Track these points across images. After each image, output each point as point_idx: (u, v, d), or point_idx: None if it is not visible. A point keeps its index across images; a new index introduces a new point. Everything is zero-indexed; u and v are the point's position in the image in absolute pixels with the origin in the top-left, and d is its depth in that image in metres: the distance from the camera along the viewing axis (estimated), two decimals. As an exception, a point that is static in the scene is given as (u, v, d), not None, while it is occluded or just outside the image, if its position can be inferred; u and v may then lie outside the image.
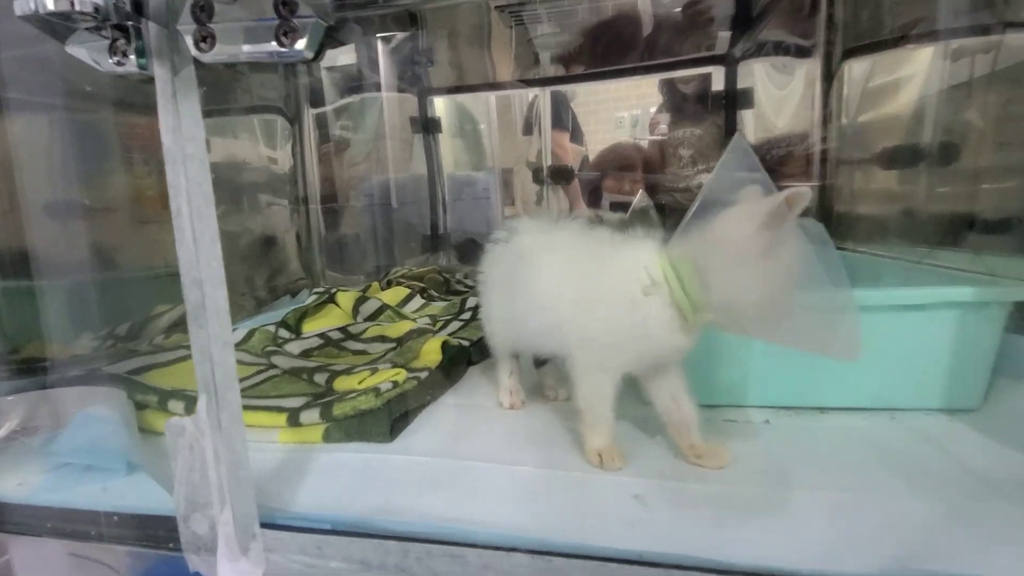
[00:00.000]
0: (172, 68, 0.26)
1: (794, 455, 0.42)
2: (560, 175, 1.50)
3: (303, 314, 0.86)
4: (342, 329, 0.78)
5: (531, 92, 1.49)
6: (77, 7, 0.23)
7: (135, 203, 0.89)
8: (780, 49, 1.08)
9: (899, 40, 0.79)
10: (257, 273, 1.09)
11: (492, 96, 1.52)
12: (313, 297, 0.92)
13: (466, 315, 0.87)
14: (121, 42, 0.26)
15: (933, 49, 0.71)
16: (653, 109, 1.41)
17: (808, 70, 0.99)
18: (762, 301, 0.36)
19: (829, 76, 0.93)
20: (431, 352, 0.64)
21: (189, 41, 0.25)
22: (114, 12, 0.25)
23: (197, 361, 0.30)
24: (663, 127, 1.39)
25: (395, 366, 0.58)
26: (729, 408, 0.51)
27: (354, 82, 1.39)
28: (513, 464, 0.42)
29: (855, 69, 0.90)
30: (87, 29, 0.26)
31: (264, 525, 0.32)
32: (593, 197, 1.45)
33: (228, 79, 0.98)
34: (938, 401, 0.48)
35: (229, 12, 0.25)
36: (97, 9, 0.23)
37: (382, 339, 0.73)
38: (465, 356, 0.66)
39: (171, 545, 0.34)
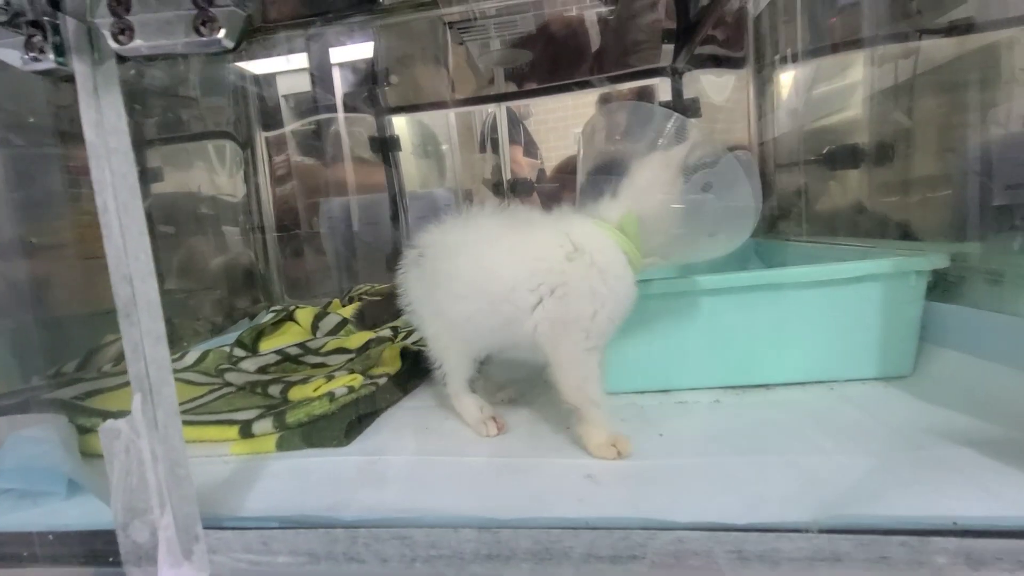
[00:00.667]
0: (92, 63, 0.27)
1: (740, 428, 0.44)
2: (518, 188, 1.53)
3: (260, 333, 0.84)
4: (300, 345, 0.77)
5: (486, 110, 1.52)
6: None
7: (78, 238, 0.87)
8: (716, 61, 1.13)
9: (827, 49, 0.85)
10: (213, 299, 1.07)
11: (451, 114, 1.54)
12: (270, 315, 0.90)
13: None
14: (37, 38, 0.26)
15: (861, 56, 0.76)
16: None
17: (742, 80, 1.04)
18: (687, 229, 0.41)
19: (762, 85, 0.98)
20: (391, 359, 0.64)
21: (107, 34, 0.26)
22: (28, 7, 0.25)
23: (130, 359, 0.29)
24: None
25: (352, 372, 0.57)
26: (680, 391, 0.52)
27: (308, 104, 1.39)
28: (465, 456, 0.42)
29: (787, 78, 0.95)
30: (1, 25, 0.26)
31: (208, 527, 0.31)
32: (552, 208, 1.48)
33: (176, 104, 0.97)
34: (873, 370, 0.51)
35: (146, 4, 0.25)
36: (8, 3, 0.24)
37: (341, 351, 0.72)
38: (424, 361, 0.66)
39: (111, 559, 0.33)
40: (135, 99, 0.97)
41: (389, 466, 0.41)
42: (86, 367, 0.83)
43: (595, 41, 1.45)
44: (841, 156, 0.79)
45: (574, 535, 0.27)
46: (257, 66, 1.28)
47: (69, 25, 0.26)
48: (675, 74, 1.46)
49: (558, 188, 1.48)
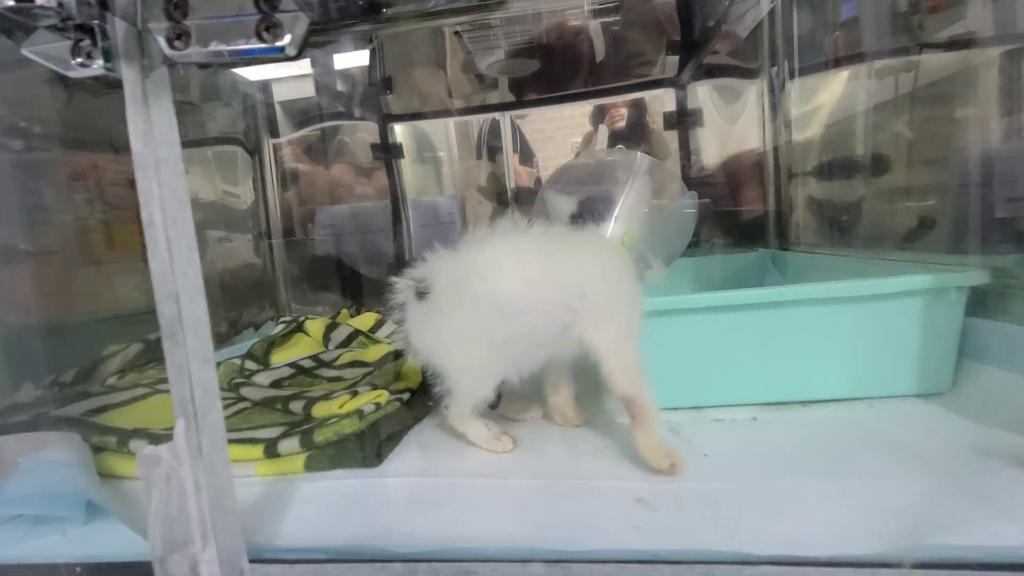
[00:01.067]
0: (141, 69, 0.25)
1: (787, 448, 0.43)
2: (520, 197, 1.52)
3: (270, 344, 0.82)
4: (313, 357, 0.75)
5: (482, 118, 1.52)
6: (39, 1, 0.21)
7: (79, 245, 0.85)
8: (729, 71, 1.13)
9: (839, 61, 0.85)
10: (219, 308, 1.04)
11: (451, 122, 1.54)
12: (280, 327, 0.88)
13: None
14: (86, 43, 0.24)
15: (867, 68, 0.77)
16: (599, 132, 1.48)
17: (755, 91, 1.04)
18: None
19: (774, 96, 0.98)
20: (412, 373, 0.63)
21: (162, 40, 0.24)
22: (77, 10, 0.23)
23: (173, 382, 0.27)
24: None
25: (375, 387, 0.56)
26: (715, 408, 0.51)
27: (312, 111, 1.38)
28: (505, 477, 0.41)
29: (799, 89, 0.95)
30: (48, 28, 0.24)
31: (251, 561, 0.29)
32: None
33: (182, 112, 0.95)
34: (911, 386, 0.50)
35: (205, 8, 0.24)
36: (61, 4, 0.22)
37: (358, 364, 0.70)
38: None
39: (144, 593, 0.31)
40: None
41: (429, 489, 0.39)
42: (89, 380, 0.80)
43: (600, 52, 1.45)
44: (858, 165, 0.79)
45: (651, 570, 0.26)
46: (260, 72, 1.27)
47: (118, 29, 0.25)
48: (679, 86, 1.47)
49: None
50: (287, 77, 1.34)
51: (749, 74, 1.04)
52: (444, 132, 1.57)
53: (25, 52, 0.25)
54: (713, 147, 1.33)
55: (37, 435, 0.49)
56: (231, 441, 0.48)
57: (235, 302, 1.07)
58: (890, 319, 0.49)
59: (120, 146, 0.88)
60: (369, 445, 0.45)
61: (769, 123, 0.99)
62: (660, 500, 0.36)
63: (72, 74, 0.25)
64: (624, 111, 1.51)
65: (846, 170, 0.82)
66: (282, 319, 0.92)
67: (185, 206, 0.26)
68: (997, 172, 0.55)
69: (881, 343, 0.49)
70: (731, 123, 1.18)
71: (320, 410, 0.52)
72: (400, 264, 1.57)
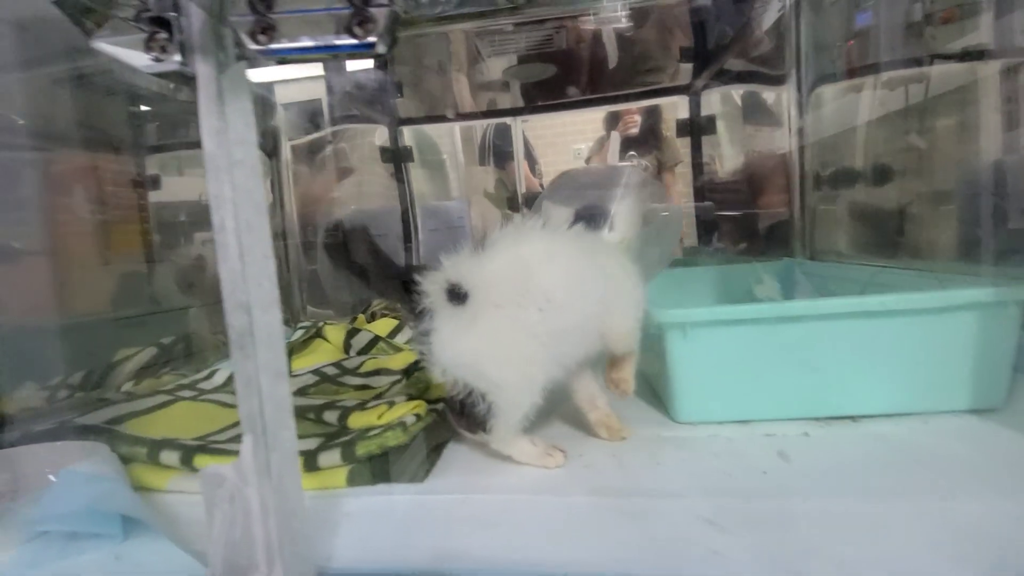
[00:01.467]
0: (217, 64, 0.24)
1: (849, 465, 0.41)
2: (527, 203, 1.53)
3: (290, 351, 0.80)
4: (336, 364, 0.73)
5: (486, 123, 1.52)
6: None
7: (86, 246, 0.83)
8: (753, 77, 1.13)
9: (861, 70, 0.85)
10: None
11: (456, 126, 1.53)
12: (299, 333, 0.86)
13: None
14: (162, 35, 0.23)
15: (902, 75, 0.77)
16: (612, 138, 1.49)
17: (780, 96, 1.03)
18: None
19: (800, 102, 0.97)
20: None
21: (244, 34, 0.23)
22: (155, 2, 0.22)
23: (241, 396, 0.26)
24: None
25: (410, 398, 0.54)
26: (764, 423, 0.50)
27: (321, 115, 1.36)
28: (563, 495, 0.39)
29: (823, 96, 0.95)
30: (123, 19, 0.23)
31: (315, 585, 0.28)
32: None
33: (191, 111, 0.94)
34: (964, 402, 0.49)
35: (291, 1, 0.22)
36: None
37: (384, 372, 0.68)
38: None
39: (200, 619, 0.29)
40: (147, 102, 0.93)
41: (484, 507, 0.38)
42: (103, 385, 0.78)
43: (612, 58, 1.45)
44: (887, 173, 0.78)
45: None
46: (272, 74, 1.26)
47: (195, 22, 0.23)
48: (693, 92, 1.47)
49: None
50: (297, 79, 1.33)
51: (773, 80, 1.04)
52: (453, 136, 1.56)
53: (95, 45, 0.23)
54: (732, 153, 1.33)
55: (65, 445, 0.47)
56: (265, 453, 0.47)
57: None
58: (945, 333, 0.47)
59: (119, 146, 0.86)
60: (415, 459, 0.43)
61: (795, 129, 0.99)
62: (730, 520, 0.34)
63: (145, 69, 0.24)
64: (637, 118, 1.51)
65: (874, 178, 0.82)
66: (300, 324, 0.90)
67: (262, 211, 0.24)
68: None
69: (935, 357, 0.48)
70: (753, 129, 1.17)
71: (356, 421, 0.50)
72: (409, 268, 1.56)
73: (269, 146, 1.08)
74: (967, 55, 0.67)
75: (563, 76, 1.48)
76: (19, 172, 0.72)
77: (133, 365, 0.82)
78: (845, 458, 0.43)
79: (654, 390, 0.60)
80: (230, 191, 0.24)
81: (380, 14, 0.22)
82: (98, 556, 0.36)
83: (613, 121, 1.50)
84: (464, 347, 0.42)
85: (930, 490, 0.36)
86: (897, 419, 0.49)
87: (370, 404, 0.53)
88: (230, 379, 0.71)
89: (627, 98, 1.49)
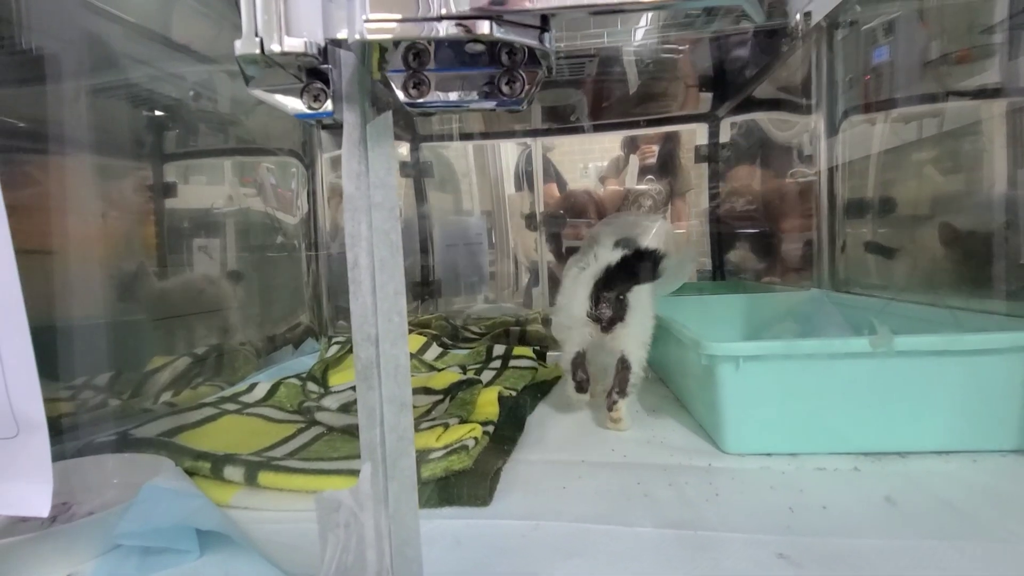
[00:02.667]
0: (362, 114, 0.25)
1: (904, 501, 0.42)
2: (550, 222, 1.56)
3: (326, 367, 0.81)
4: (375, 381, 0.74)
5: (519, 148, 1.56)
6: (306, 50, 0.22)
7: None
8: (781, 105, 1.15)
9: (890, 103, 0.88)
10: (261, 321, 1.03)
11: (469, 144, 1.56)
12: (335, 348, 0.87)
13: (495, 363, 0.85)
14: (316, 85, 0.25)
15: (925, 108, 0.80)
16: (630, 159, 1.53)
17: (806, 126, 1.05)
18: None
19: (833, 132, 0.99)
20: (487, 404, 0.62)
21: (397, 88, 0.24)
22: (318, 58, 0.23)
23: (364, 425, 0.27)
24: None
25: (463, 421, 0.55)
26: (814, 456, 0.51)
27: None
28: (631, 525, 0.40)
29: (851, 126, 0.97)
30: (284, 69, 0.24)
31: (416, 611, 0.28)
32: (555, 242, 1.54)
33: (232, 120, 0.95)
34: (1011, 442, 0.50)
35: (445, 59, 0.24)
36: (315, 53, 0.22)
37: (425, 391, 0.69)
38: (522, 410, 0.64)
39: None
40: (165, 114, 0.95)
41: (555, 535, 0.38)
42: (140, 395, 0.79)
43: (633, 84, 1.49)
44: (915, 206, 0.80)
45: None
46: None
47: (345, 72, 0.25)
48: (712, 120, 1.51)
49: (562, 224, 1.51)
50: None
51: (800, 109, 1.06)
52: (463, 154, 1.60)
53: (253, 92, 0.25)
54: (755, 181, 1.35)
55: (131, 457, 0.48)
56: (323, 471, 0.47)
57: (280, 316, 1.06)
58: (994, 373, 0.49)
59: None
60: (481, 483, 0.44)
61: (822, 160, 1.01)
62: (800, 556, 0.35)
63: (296, 115, 0.25)
64: (655, 148, 1.55)
65: (903, 211, 0.83)
66: (334, 340, 0.91)
67: (397, 250, 0.26)
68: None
69: (983, 396, 0.49)
70: (778, 157, 1.20)
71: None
72: (425, 283, 1.58)
73: (308, 157, 1.10)
74: (981, 93, 0.70)
75: (587, 101, 1.52)
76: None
77: (168, 375, 0.82)
78: (902, 495, 0.43)
79: (696, 419, 0.62)
80: (367, 231, 0.25)
81: (529, 76, 0.24)
82: (177, 572, 0.36)
83: (632, 145, 1.54)
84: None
85: (999, 532, 0.37)
86: (946, 456, 0.50)
87: (423, 425, 0.54)
88: (271, 392, 0.72)
89: (648, 123, 1.53)
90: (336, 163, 1.21)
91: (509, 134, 1.58)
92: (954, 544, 0.36)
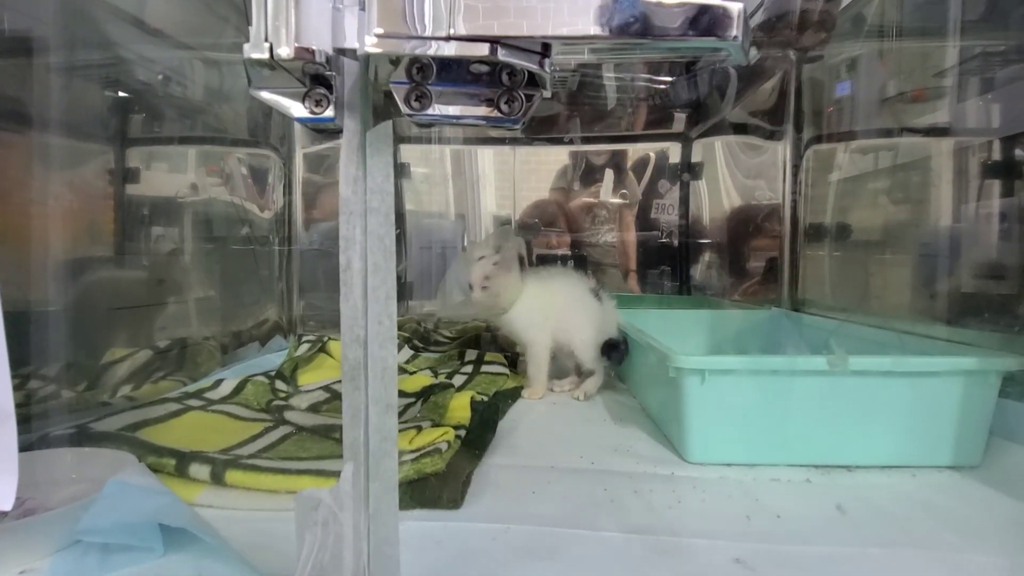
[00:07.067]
0: (363, 121, 0.26)
1: (853, 512, 0.45)
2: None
3: (295, 366, 0.80)
4: (346, 382, 0.74)
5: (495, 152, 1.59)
6: (314, 57, 0.22)
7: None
8: (753, 130, 1.20)
9: (850, 135, 0.93)
10: (224, 316, 1.01)
11: (447, 148, 1.58)
12: (304, 347, 0.86)
13: (467, 368, 0.85)
14: (319, 91, 0.25)
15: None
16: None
17: (773, 151, 1.10)
18: None
19: (796, 157, 1.04)
20: (460, 408, 0.63)
21: (399, 99, 0.25)
22: (324, 65, 0.24)
23: (347, 425, 0.27)
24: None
25: (435, 424, 0.55)
26: (769, 467, 0.54)
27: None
28: (597, 530, 0.41)
29: (815, 154, 1.02)
30: (288, 72, 0.25)
31: (391, 610, 0.29)
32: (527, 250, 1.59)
33: (205, 108, 0.93)
34: (946, 458, 0.54)
35: (448, 75, 0.25)
36: (329, 60, 0.23)
37: (399, 393, 0.69)
38: (494, 415, 0.65)
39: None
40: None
41: (524, 538, 0.39)
42: (97, 388, 0.76)
43: (611, 101, 1.53)
44: (877, 233, 0.85)
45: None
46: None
47: (347, 80, 0.25)
48: (686, 140, 1.56)
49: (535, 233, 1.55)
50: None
51: (769, 135, 1.11)
52: (438, 157, 1.62)
53: (255, 94, 0.25)
54: (719, 200, 1.41)
55: (92, 451, 0.47)
56: (293, 471, 0.47)
57: (247, 312, 1.03)
58: (934, 394, 0.53)
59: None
60: (453, 485, 0.45)
61: (789, 183, 1.05)
62: (757, 562, 0.37)
63: (297, 119, 0.26)
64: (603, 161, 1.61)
65: (864, 236, 0.88)
66: (305, 338, 0.90)
67: (390, 256, 0.26)
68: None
69: (923, 416, 0.53)
70: (745, 178, 1.25)
71: (386, 444, 0.51)
72: (401, 288, 1.57)
73: (285, 152, 1.09)
74: (932, 131, 0.76)
75: (565, 113, 1.55)
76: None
77: (126, 368, 0.79)
78: (851, 505, 0.46)
79: (661, 429, 0.64)
80: (361, 235, 0.26)
81: (528, 96, 0.25)
82: (140, 570, 0.36)
83: (610, 158, 1.58)
84: None
85: (932, 541, 0.40)
86: (888, 471, 0.53)
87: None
88: (237, 389, 0.71)
89: (622, 140, 1.58)
90: (312, 159, 1.20)
91: (487, 140, 1.59)
92: (893, 551, 0.38)
